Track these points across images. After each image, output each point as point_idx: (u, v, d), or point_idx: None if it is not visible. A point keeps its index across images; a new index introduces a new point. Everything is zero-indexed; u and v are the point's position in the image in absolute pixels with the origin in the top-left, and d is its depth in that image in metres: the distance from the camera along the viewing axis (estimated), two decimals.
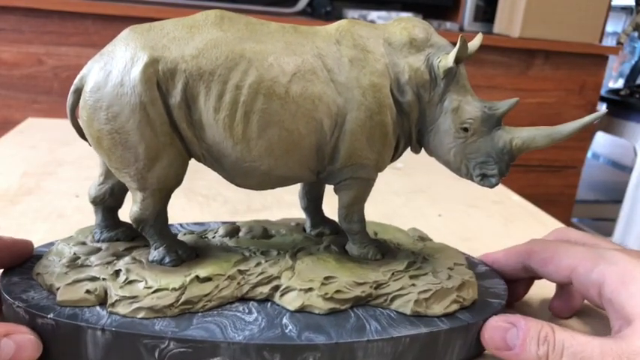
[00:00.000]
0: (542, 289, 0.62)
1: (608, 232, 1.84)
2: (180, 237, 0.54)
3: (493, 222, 0.83)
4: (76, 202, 0.77)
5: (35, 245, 0.52)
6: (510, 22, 1.64)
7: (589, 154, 2.51)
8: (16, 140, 1.05)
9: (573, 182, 1.80)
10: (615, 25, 3.01)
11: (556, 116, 1.72)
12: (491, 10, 1.71)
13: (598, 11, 1.66)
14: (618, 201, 1.83)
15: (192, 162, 0.49)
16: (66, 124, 0.49)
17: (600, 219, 2.17)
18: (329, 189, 0.54)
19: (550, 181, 1.77)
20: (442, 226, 0.79)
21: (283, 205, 0.82)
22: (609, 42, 2.70)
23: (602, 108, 2.00)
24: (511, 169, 0.50)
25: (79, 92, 0.46)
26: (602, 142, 2.29)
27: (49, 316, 0.42)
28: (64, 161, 0.95)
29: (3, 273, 0.48)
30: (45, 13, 1.35)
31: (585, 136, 1.80)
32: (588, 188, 2.35)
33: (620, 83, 2.94)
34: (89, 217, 0.53)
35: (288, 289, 0.47)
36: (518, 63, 1.65)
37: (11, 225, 0.68)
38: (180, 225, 0.60)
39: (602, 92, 1.90)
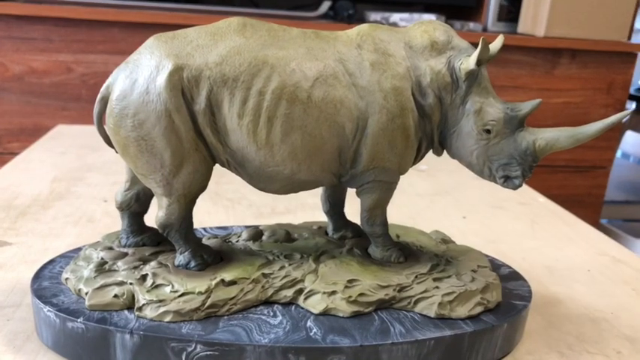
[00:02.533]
0: (570, 289, 0.62)
1: (639, 234, 1.80)
2: (204, 241, 0.54)
3: (519, 224, 0.82)
4: (104, 207, 0.79)
5: (64, 250, 0.53)
6: (535, 21, 1.62)
7: (619, 154, 2.46)
8: (47, 146, 1.08)
9: (602, 183, 1.77)
10: None
11: (583, 116, 1.69)
12: (515, 9, 1.69)
13: (626, 7, 1.63)
14: None
15: (218, 166, 0.49)
16: (94, 130, 0.50)
17: (631, 220, 2.12)
18: (351, 192, 0.54)
19: (577, 181, 1.74)
20: (467, 228, 0.79)
21: (307, 208, 0.83)
22: (639, 39, 2.64)
23: (632, 107, 1.96)
24: (537, 170, 0.49)
25: (105, 100, 0.47)
26: (632, 141, 2.24)
27: (78, 320, 0.43)
28: (93, 167, 0.97)
29: (34, 278, 0.50)
30: (74, 23, 1.38)
31: (614, 135, 1.76)
32: (618, 188, 2.30)
33: None
34: (117, 221, 0.54)
35: (312, 293, 0.48)
36: (543, 62, 1.63)
37: (43, 229, 0.70)
38: (204, 229, 0.61)
39: (632, 90, 1.86)
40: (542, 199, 0.95)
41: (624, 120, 0.47)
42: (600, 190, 1.78)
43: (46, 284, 0.49)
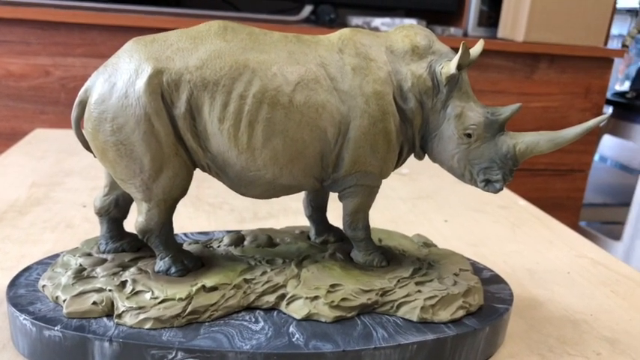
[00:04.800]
0: (550, 292, 0.62)
1: (616, 236, 1.83)
2: (185, 247, 0.54)
3: (500, 227, 0.83)
4: (83, 212, 0.77)
5: (41, 257, 0.52)
6: (514, 26, 1.64)
7: (596, 157, 2.50)
8: (25, 151, 1.06)
9: (580, 186, 1.79)
10: (620, 28, 3.00)
11: (562, 120, 1.72)
12: (495, 14, 1.71)
13: (603, 14, 1.66)
14: (627, 204, 1.82)
15: (199, 171, 0.49)
16: (73, 134, 0.49)
17: (609, 222, 2.15)
18: (333, 196, 0.54)
19: (557, 184, 1.77)
20: (448, 232, 0.79)
21: (289, 212, 0.83)
22: (615, 44, 2.69)
23: (609, 111, 1.99)
24: (517, 174, 0.50)
25: (83, 104, 0.46)
26: (609, 144, 2.27)
27: (56, 328, 0.43)
28: (72, 171, 0.95)
29: (9, 285, 0.48)
30: (52, 25, 1.37)
31: (591, 139, 1.79)
32: (596, 191, 2.33)
33: (626, 86, 2.93)
34: (97, 226, 0.54)
35: (294, 298, 0.47)
36: (522, 67, 1.65)
37: (20, 236, 0.69)
38: (185, 235, 0.61)
39: (608, 95, 1.90)
40: (522, 203, 0.95)
41: (602, 124, 0.48)
42: (579, 193, 1.81)
43: (22, 292, 0.48)
